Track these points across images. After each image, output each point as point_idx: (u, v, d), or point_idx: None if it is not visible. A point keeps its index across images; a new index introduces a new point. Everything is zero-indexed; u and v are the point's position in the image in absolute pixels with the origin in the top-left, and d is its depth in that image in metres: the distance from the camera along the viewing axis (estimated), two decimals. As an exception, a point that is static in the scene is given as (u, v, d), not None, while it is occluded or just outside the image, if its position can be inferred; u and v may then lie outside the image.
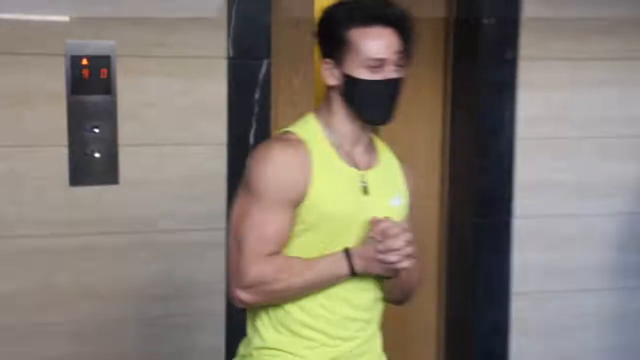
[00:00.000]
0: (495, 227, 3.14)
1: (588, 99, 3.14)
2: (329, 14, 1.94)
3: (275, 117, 3.05)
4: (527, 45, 3.05)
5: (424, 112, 3.26)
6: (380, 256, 1.85)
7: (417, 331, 3.39)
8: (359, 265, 1.87)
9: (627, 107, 3.18)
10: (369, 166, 1.98)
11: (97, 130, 2.72)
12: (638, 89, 3.19)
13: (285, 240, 1.91)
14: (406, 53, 1.92)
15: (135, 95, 2.75)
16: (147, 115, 2.77)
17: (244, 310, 2.00)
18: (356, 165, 1.96)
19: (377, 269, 1.88)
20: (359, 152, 1.98)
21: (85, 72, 2.69)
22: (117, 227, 2.74)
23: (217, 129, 2.84)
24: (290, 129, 1.97)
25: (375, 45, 1.88)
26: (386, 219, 1.89)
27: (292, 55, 3.11)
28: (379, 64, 1.89)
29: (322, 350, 1.92)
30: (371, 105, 1.93)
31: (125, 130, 2.74)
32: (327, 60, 1.93)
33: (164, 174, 2.77)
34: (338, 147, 1.95)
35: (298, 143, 1.92)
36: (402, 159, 2.11)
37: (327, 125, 1.97)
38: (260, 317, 1.95)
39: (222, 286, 2.73)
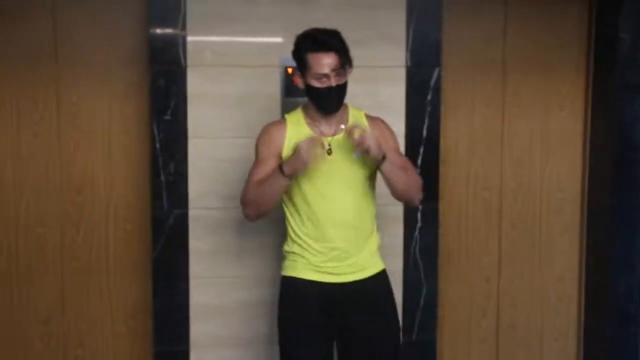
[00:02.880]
0: (627, 204, 3.41)
1: None
2: (296, 42, 2.67)
3: (445, 113, 3.38)
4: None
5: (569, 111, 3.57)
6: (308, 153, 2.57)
7: (561, 294, 3.66)
8: (286, 170, 2.60)
9: None
10: (334, 134, 2.71)
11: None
12: None
13: None
14: (344, 66, 2.63)
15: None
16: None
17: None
18: (323, 134, 2.70)
19: (301, 168, 2.57)
20: (327, 126, 2.72)
21: (295, 79, 2.98)
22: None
23: (398, 123, 3.22)
24: (285, 115, 2.79)
25: (320, 65, 2.61)
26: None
27: (460, 64, 3.46)
28: (324, 77, 2.61)
29: (319, 257, 2.69)
30: (322, 102, 2.67)
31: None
32: (298, 73, 2.69)
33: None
34: (310, 124, 2.72)
35: (282, 121, 2.76)
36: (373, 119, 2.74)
37: (306, 112, 2.75)
38: (287, 233, 2.76)
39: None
